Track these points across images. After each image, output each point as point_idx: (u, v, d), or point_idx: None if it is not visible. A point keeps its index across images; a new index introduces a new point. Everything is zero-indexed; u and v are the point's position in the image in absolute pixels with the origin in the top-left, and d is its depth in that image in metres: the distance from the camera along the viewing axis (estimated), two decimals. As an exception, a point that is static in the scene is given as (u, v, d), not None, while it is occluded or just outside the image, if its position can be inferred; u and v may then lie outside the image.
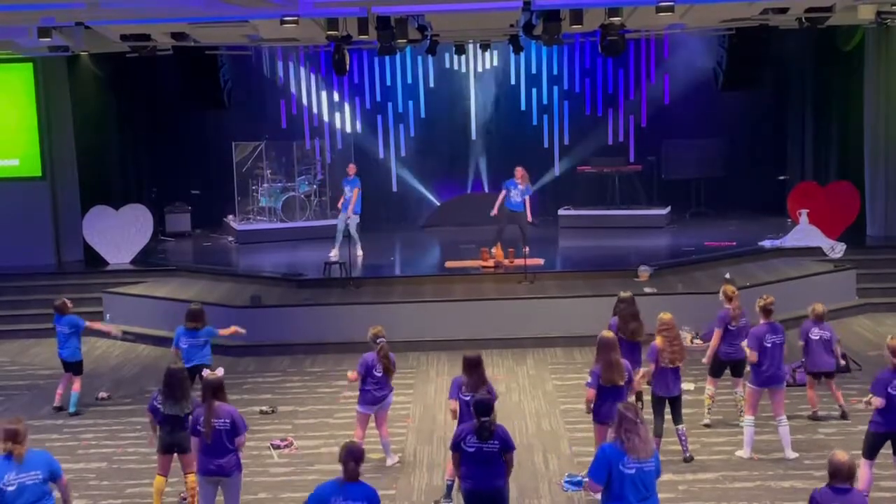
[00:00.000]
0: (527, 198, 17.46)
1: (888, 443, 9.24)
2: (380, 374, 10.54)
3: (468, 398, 9.29)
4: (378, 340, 10.57)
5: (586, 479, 7.62)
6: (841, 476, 6.89)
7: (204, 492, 8.91)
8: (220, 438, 8.69)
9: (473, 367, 9.46)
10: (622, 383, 9.57)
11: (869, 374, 9.62)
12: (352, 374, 10.71)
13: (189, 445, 9.43)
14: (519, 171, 17.54)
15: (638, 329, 11.18)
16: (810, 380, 11.82)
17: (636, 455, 7.14)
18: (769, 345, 10.57)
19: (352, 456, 7.18)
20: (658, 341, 10.43)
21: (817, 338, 11.59)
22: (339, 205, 18.81)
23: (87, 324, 13.14)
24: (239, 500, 8.95)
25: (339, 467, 7.29)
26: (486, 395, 8.67)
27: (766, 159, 22.39)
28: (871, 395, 9.14)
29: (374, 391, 10.60)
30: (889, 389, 9.04)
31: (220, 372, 9.24)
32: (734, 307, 11.45)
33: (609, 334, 9.91)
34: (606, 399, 9.44)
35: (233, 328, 12.53)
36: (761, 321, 10.75)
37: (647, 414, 10.98)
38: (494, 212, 17.55)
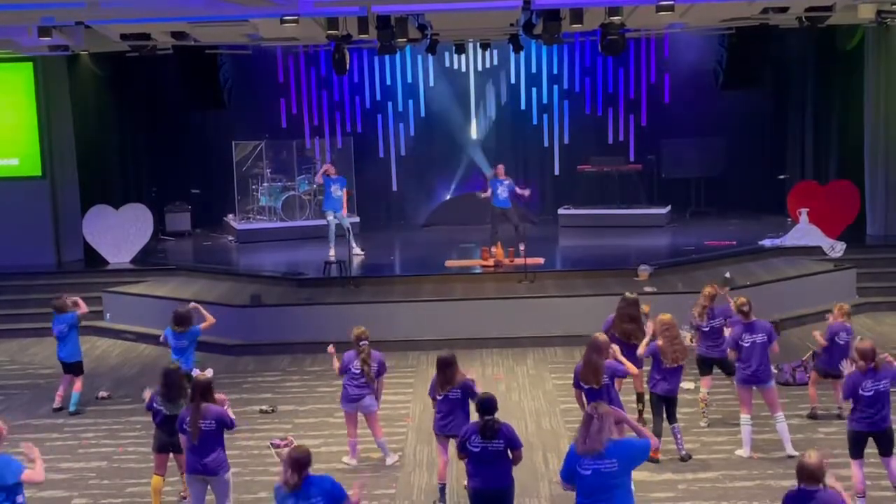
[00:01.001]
0: (515, 189, 17.75)
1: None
2: (357, 372, 10.56)
3: (440, 397, 9.57)
4: (360, 343, 10.55)
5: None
6: (803, 477, 6.80)
7: (193, 490, 8.94)
8: (206, 439, 8.72)
9: (441, 367, 9.58)
10: (597, 387, 9.51)
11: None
12: (335, 363, 10.79)
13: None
14: (500, 168, 17.84)
15: (631, 331, 11.16)
16: (815, 377, 11.81)
17: (583, 452, 7.04)
18: (747, 344, 10.60)
19: (296, 465, 7.04)
20: (660, 342, 10.45)
21: (843, 342, 11.57)
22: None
23: (79, 312, 13.10)
24: (229, 498, 8.94)
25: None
26: (487, 393, 8.67)
27: (766, 158, 22.40)
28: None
29: (350, 388, 10.62)
30: (861, 391, 9.12)
31: (209, 373, 9.26)
32: (698, 305, 11.57)
33: (600, 336, 9.88)
34: (589, 399, 9.46)
35: (209, 319, 12.42)
36: (741, 321, 10.79)
37: (647, 414, 11.03)
38: (486, 195, 17.97)
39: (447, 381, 9.54)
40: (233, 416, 8.97)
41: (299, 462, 7.05)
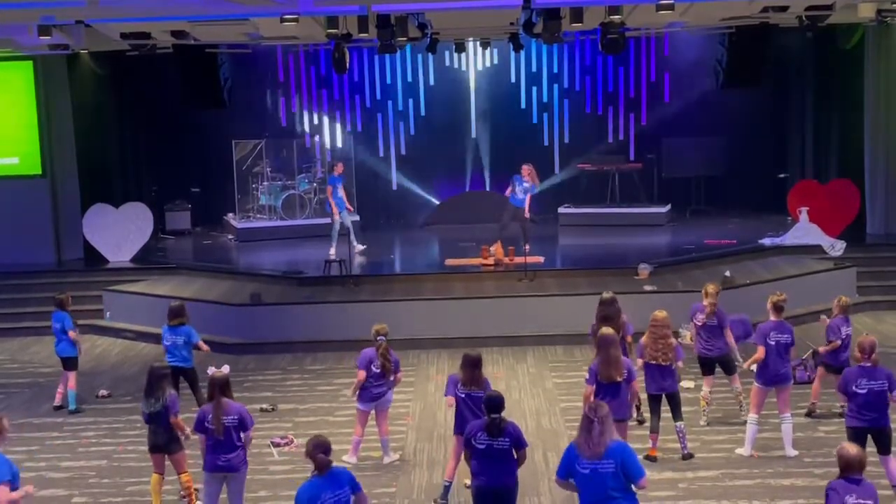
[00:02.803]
0: (529, 195, 17.54)
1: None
2: (378, 371, 10.58)
3: (463, 395, 9.51)
4: (378, 338, 10.59)
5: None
6: (853, 468, 6.88)
7: (209, 489, 8.93)
8: (230, 434, 8.75)
9: (470, 366, 9.57)
10: (620, 379, 9.58)
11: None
12: (360, 374, 10.63)
13: (174, 446, 9.49)
14: (525, 168, 17.76)
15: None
16: (822, 372, 11.78)
17: (582, 453, 7.10)
18: (773, 343, 10.54)
19: (320, 448, 7.16)
20: (644, 337, 10.52)
21: (845, 336, 11.56)
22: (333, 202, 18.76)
23: (71, 333, 12.91)
24: (243, 496, 8.97)
25: (338, 465, 7.34)
26: (495, 392, 8.67)
27: (766, 157, 22.39)
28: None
29: (372, 388, 10.65)
30: (854, 387, 9.15)
31: (226, 369, 9.25)
32: (708, 304, 11.47)
33: (608, 331, 9.93)
34: (605, 396, 9.45)
35: (204, 347, 12.31)
36: (771, 318, 10.74)
37: (647, 412, 11.03)
38: (507, 193, 17.82)
39: (472, 381, 9.54)
40: (250, 415, 8.99)
41: (324, 445, 7.16)
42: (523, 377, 13.86)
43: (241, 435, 8.83)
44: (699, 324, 11.53)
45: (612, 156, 22.22)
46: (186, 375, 11.97)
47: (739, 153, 22.16)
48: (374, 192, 23.09)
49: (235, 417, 8.77)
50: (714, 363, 11.63)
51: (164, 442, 9.49)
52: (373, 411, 10.79)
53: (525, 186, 17.47)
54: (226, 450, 8.76)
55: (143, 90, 21.81)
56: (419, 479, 10.51)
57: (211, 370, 9.19)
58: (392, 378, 10.72)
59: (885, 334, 15.11)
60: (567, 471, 7.28)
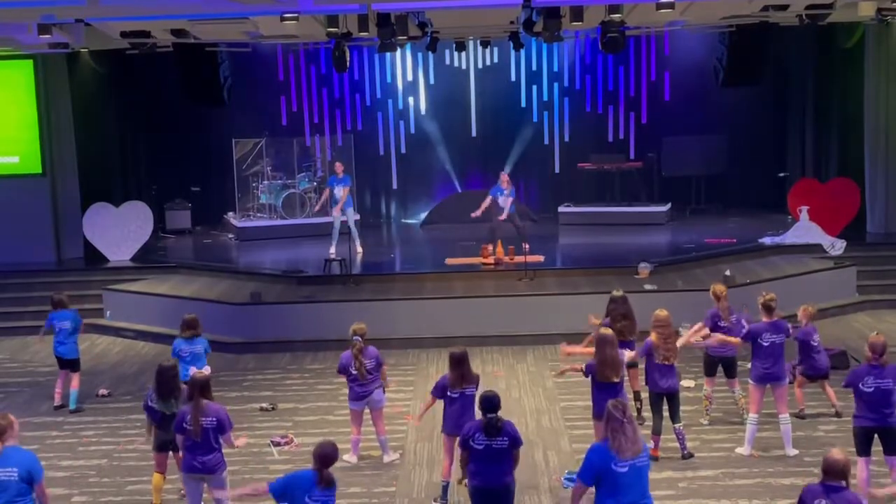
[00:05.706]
0: (510, 199, 17.67)
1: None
2: (355, 372, 10.56)
3: (457, 395, 9.54)
4: (354, 338, 10.56)
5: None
6: (833, 474, 6.83)
7: (189, 489, 8.93)
8: (207, 436, 8.73)
9: (456, 364, 9.59)
10: (616, 380, 9.57)
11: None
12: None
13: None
14: (504, 176, 17.96)
15: (626, 328, 11.17)
16: (801, 380, 11.80)
17: (623, 455, 7.07)
18: (767, 343, 10.52)
19: (325, 462, 7.31)
20: (653, 337, 10.49)
21: (816, 343, 11.61)
22: (326, 206, 19.00)
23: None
24: (227, 497, 8.94)
25: (338, 464, 7.36)
26: (490, 391, 8.66)
27: (766, 156, 22.39)
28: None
29: (356, 387, 10.65)
30: (861, 385, 9.13)
31: (206, 370, 9.25)
32: (722, 307, 11.46)
33: (607, 331, 9.94)
34: (602, 395, 9.46)
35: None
36: (763, 318, 10.73)
37: (647, 412, 11.03)
38: (478, 213, 17.88)
39: (463, 378, 9.52)
40: (229, 417, 8.94)
41: (328, 459, 7.34)
42: (523, 376, 13.86)
43: (220, 437, 8.78)
44: (724, 326, 11.35)
45: (613, 154, 22.19)
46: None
47: (739, 152, 22.17)
48: (374, 191, 23.06)
49: (213, 419, 8.72)
50: (718, 364, 11.60)
51: (173, 439, 9.45)
52: (368, 410, 10.77)
53: (505, 194, 17.56)
54: (202, 451, 8.74)
55: (144, 89, 21.82)
56: (419, 477, 10.51)
57: (192, 370, 9.18)
58: (371, 377, 10.61)
59: (885, 334, 14.99)
60: (597, 474, 7.13)
